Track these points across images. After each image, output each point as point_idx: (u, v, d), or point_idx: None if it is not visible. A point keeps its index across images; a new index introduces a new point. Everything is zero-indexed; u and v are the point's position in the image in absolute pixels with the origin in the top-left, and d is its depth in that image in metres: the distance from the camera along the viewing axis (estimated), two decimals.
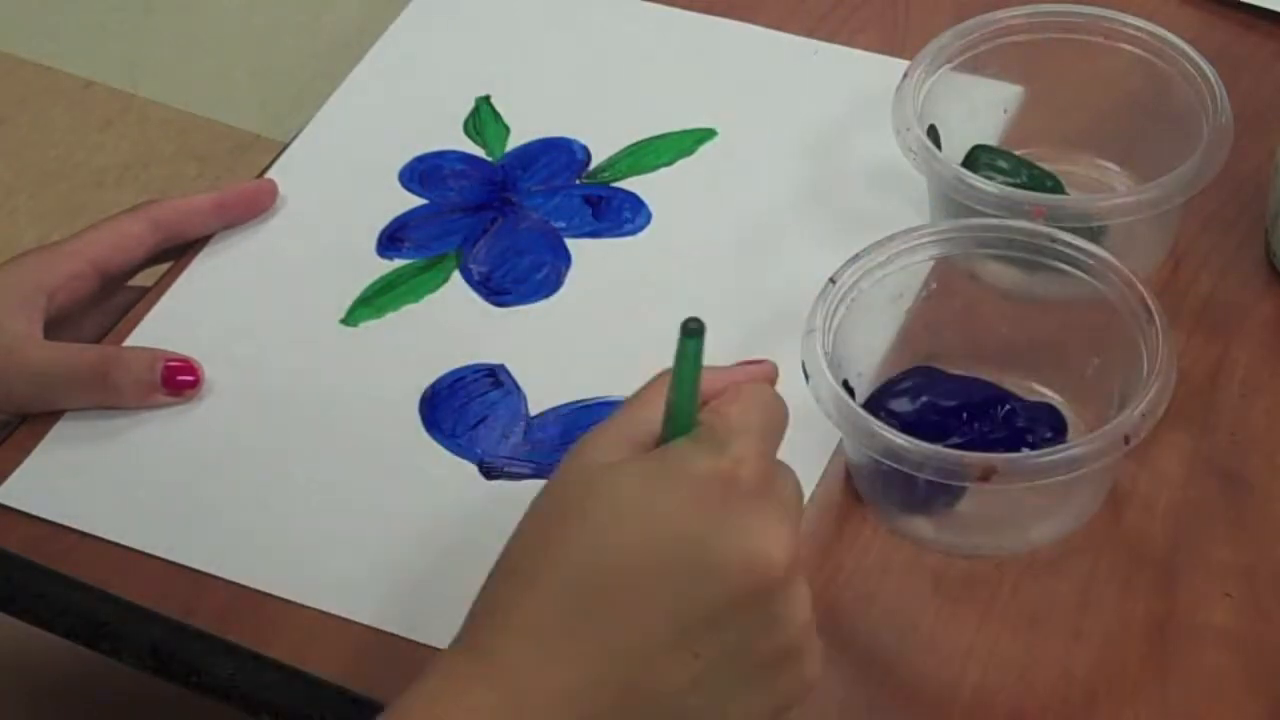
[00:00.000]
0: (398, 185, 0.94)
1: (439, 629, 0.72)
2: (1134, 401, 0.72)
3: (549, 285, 0.89)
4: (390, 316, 0.88)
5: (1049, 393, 0.81)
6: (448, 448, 0.82)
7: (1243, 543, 0.76)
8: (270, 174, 0.95)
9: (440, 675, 0.61)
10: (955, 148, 0.87)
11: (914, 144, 0.83)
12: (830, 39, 1.00)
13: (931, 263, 0.80)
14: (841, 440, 0.79)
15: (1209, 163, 0.81)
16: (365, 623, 0.75)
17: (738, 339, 0.85)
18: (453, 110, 0.98)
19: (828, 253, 0.80)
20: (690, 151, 0.95)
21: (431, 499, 0.80)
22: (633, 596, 0.60)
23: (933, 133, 0.86)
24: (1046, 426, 0.78)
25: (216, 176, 1.96)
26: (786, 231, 0.90)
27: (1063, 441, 0.76)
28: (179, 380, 0.84)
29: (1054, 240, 0.78)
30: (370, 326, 0.88)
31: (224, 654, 0.75)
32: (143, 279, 0.91)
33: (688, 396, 0.62)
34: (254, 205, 0.93)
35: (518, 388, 0.84)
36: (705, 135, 0.95)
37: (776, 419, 0.64)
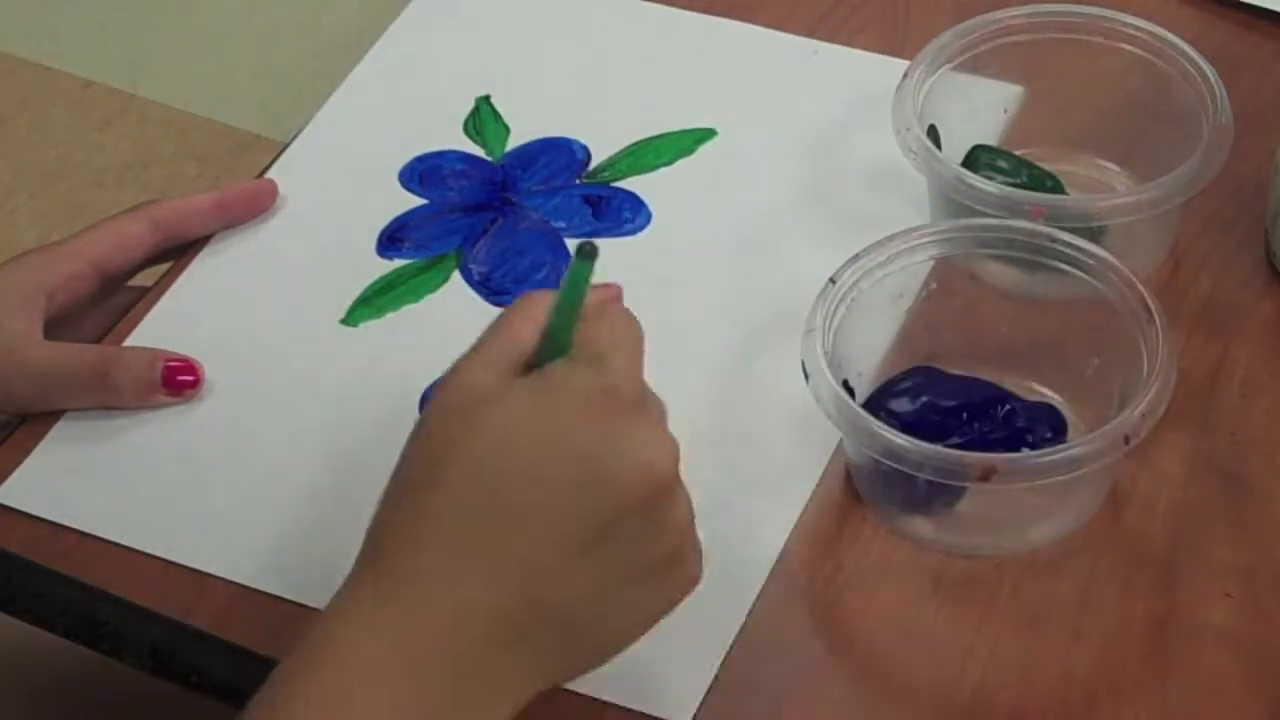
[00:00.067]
0: (398, 185, 0.94)
1: None
2: (1134, 401, 0.72)
3: (549, 285, 0.88)
4: (390, 316, 0.88)
5: (1049, 393, 0.81)
6: None
7: (1243, 543, 0.76)
8: (270, 174, 0.95)
9: (348, 598, 0.63)
10: (955, 148, 0.87)
11: (914, 144, 0.83)
12: (830, 39, 1.00)
13: (931, 263, 0.80)
14: (841, 440, 0.79)
15: (1209, 163, 0.81)
16: None
17: (738, 339, 0.85)
18: (453, 110, 0.98)
19: (828, 253, 0.80)
20: (690, 151, 0.95)
21: None
22: (531, 513, 0.62)
23: (933, 133, 0.86)
24: (1046, 426, 0.78)
25: (216, 176, 1.96)
26: (786, 231, 0.90)
27: (1063, 441, 0.76)
28: (179, 380, 0.84)
29: (1054, 240, 0.78)
30: (370, 326, 0.88)
31: (224, 654, 0.75)
32: (143, 279, 0.91)
33: (570, 318, 0.64)
34: (254, 205, 0.93)
35: None
36: (705, 135, 0.95)
37: (639, 335, 0.66)
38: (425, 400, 0.83)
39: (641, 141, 0.95)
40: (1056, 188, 0.86)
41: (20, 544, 0.79)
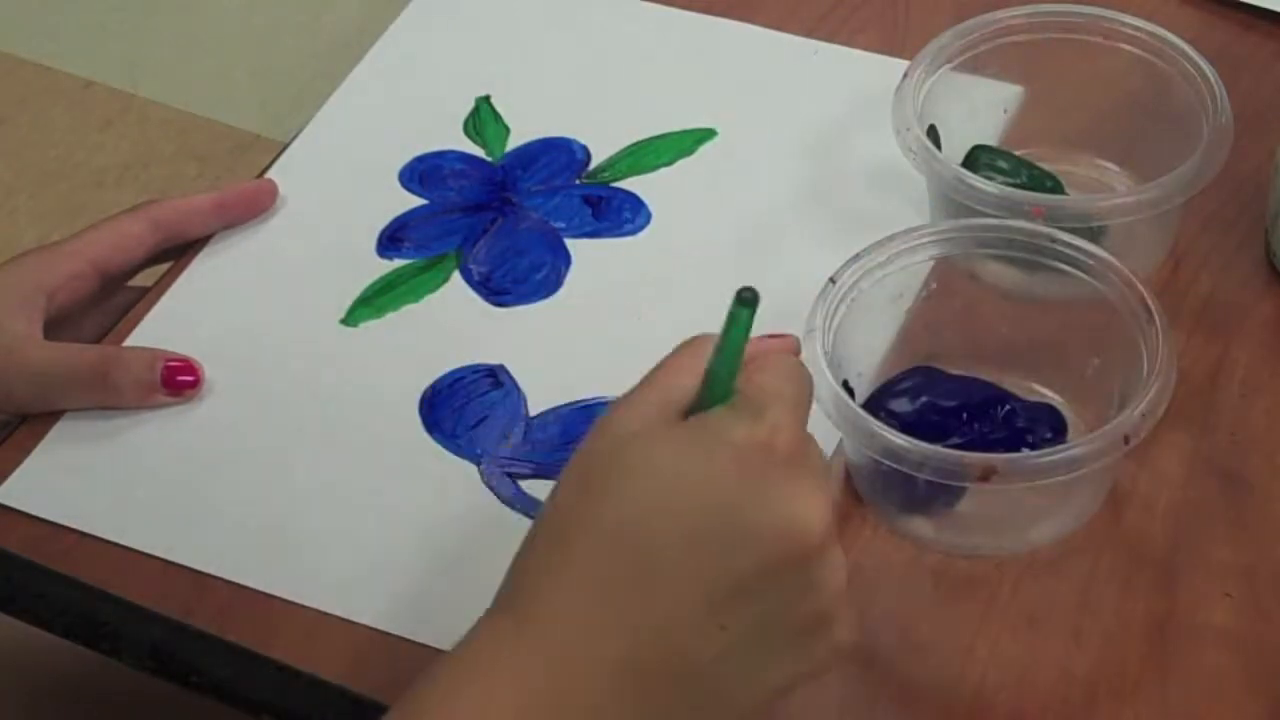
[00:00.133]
0: (398, 185, 0.94)
1: (439, 629, 0.72)
2: (1134, 401, 0.72)
3: (549, 285, 0.89)
4: (390, 316, 0.88)
5: (1049, 393, 0.81)
6: (448, 448, 0.82)
7: (1243, 543, 0.76)
8: (270, 174, 0.95)
9: (484, 643, 0.61)
10: (955, 148, 0.87)
11: (914, 144, 0.83)
12: (830, 39, 1.00)
13: (931, 263, 0.80)
14: (841, 440, 0.79)
15: (1209, 163, 0.81)
16: (365, 623, 0.75)
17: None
18: (453, 110, 0.98)
19: (828, 253, 0.80)
20: (690, 151, 0.95)
21: (431, 499, 0.80)
22: (673, 566, 0.60)
23: (933, 133, 0.86)
24: (1046, 426, 0.78)
25: (216, 176, 1.96)
26: (786, 231, 0.90)
27: (1063, 441, 0.76)
28: (179, 380, 0.84)
29: (1054, 240, 0.78)
30: (370, 326, 0.88)
31: (224, 654, 0.75)
32: (143, 279, 0.91)
33: (731, 365, 0.62)
34: (254, 205, 0.93)
35: (517, 388, 0.84)
36: (705, 135, 0.95)
37: (806, 389, 0.65)
38: (425, 400, 0.84)
39: (641, 141, 0.95)
40: (1056, 188, 0.86)
41: (20, 544, 0.79)
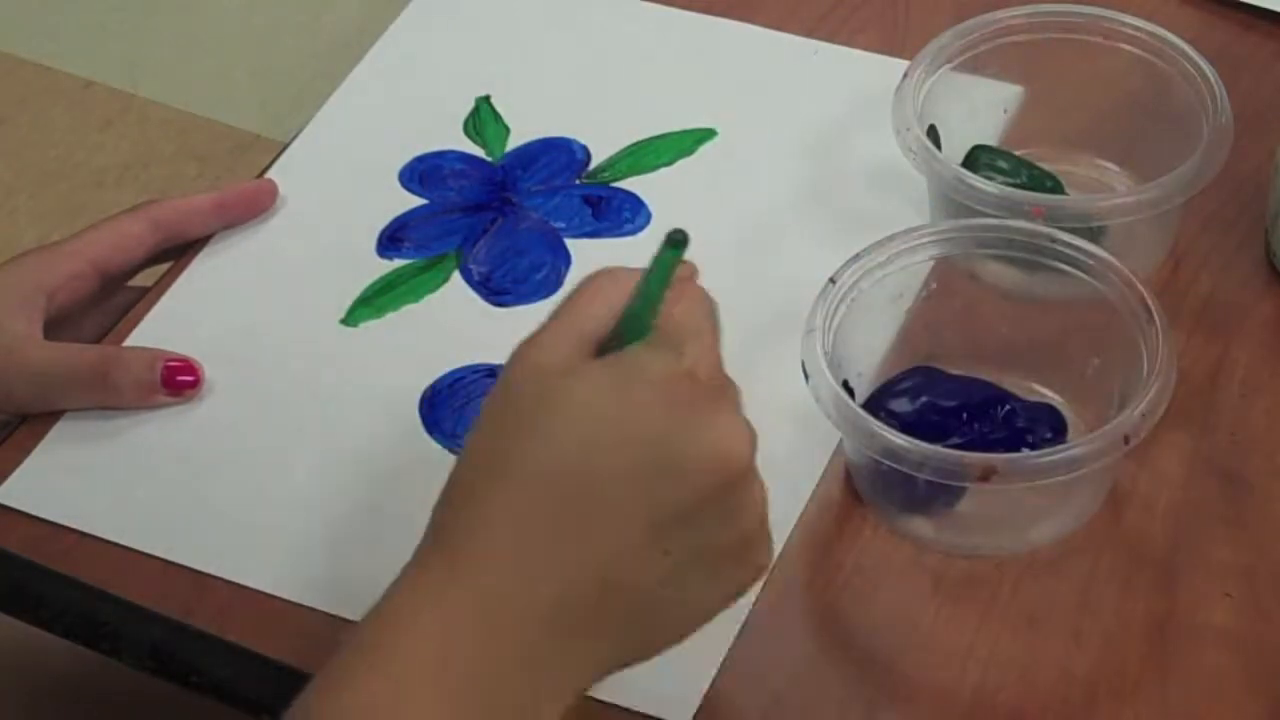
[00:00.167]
0: (398, 185, 0.94)
1: None
2: (1134, 401, 0.72)
3: (549, 285, 0.89)
4: (390, 316, 0.88)
5: (1049, 393, 0.81)
6: (448, 448, 0.82)
7: (1243, 543, 0.76)
8: (270, 174, 0.95)
9: (416, 580, 0.62)
10: (955, 148, 0.87)
11: (914, 144, 0.83)
12: (830, 39, 1.00)
13: (931, 263, 0.80)
14: (841, 440, 0.79)
15: (1209, 163, 0.81)
16: None
17: (738, 339, 0.84)
18: (453, 110, 0.98)
19: (828, 253, 0.80)
20: (690, 151, 0.95)
21: (431, 499, 0.79)
22: (605, 499, 0.61)
23: (933, 133, 0.86)
24: (1046, 426, 0.78)
25: (216, 176, 1.96)
26: (786, 231, 0.90)
27: (1063, 441, 0.76)
28: (179, 380, 0.84)
29: (1054, 240, 0.78)
30: (370, 326, 0.88)
31: (224, 654, 0.75)
32: (143, 279, 0.91)
33: (653, 304, 0.63)
34: (254, 205, 0.93)
35: None
36: (705, 135, 0.95)
37: (716, 319, 0.66)
38: (425, 400, 0.84)
39: (641, 142, 0.95)
40: (1056, 188, 0.86)
41: (20, 544, 0.79)
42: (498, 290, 0.89)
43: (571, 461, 0.61)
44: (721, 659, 0.73)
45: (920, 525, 0.77)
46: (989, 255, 0.81)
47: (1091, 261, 0.77)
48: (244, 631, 0.76)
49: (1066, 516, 0.77)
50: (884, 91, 0.87)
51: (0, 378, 0.83)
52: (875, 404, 0.78)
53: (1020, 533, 0.77)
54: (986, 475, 0.71)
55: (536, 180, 0.94)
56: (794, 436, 0.80)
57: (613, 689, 0.71)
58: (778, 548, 0.76)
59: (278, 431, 0.83)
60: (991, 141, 0.90)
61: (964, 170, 0.83)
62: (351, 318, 0.88)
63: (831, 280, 0.77)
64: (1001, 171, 0.85)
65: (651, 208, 0.92)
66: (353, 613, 0.75)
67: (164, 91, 2.07)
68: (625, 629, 0.63)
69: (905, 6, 1.02)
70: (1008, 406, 0.78)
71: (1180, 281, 0.86)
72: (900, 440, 0.71)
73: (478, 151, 0.96)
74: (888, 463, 0.72)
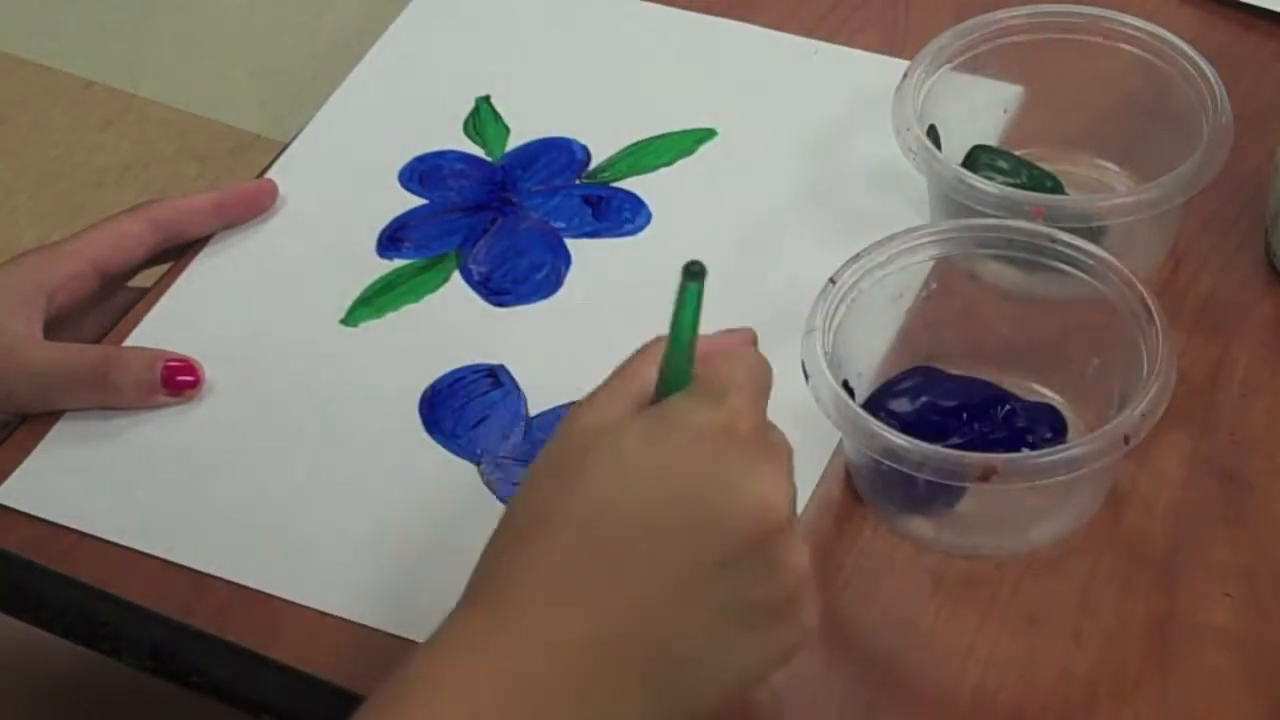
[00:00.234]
0: (398, 185, 0.94)
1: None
2: (1134, 401, 0.72)
3: (549, 285, 0.89)
4: (390, 316, 0.88)
5: (1049, 393, 0.81)
6: (448, 448, 0.82)
7: (1243, 543, 0.76)
8: (270, 174, 0.95)
9: (459, 631, 0.62)
10: (955, 148, 0.87)
11: (914, 144, 0.83)
12: (830, 39, 1.00)
13: (931, 263, 0.80)
14: (841, 440, 0.79)
15: (1209, 163, 0.81)
16: (365, 623, 0.75)
17: None
18: (453, 110, 0.98)
19: (828, 253, 0.80)
20: (690, 151, 0.95)
21: (431, 499, 0.80)
22: (640, 549, 0.61)
23: (933, 133, 0.86)
24: (1046, 426, 0.78)
25: (216, 176, 1.96)
26: (786, 231, 0.90)
27: (1063, 441, 0.76)
28: (179, 380, 0.84)
29: (1054, 240, 0.78)
30: (370, 326, 0.88)
31: (224, 654, 0.75)
32: (143, 279, 0.91)
33: (685, 346, 0.63)
34: (254, 205, 0.93)
35: (517, 388, 0.84)
36: (705, 135, 0.95)
37: (765, 376, 0.66)
38: (425, 400, 0.84)
39: (641, 141, 0.95)
40: (1056, 188, 0.86)
41: (20, 544, 0.79)
42: (498, 290, 0.89)
43: (606, 510, 0.61)
44: None
45: (920, 525, 0.77)
46: (989, 255, 0.81)
47: (1091, 261, 0.77)
48: (244, 631, 0.76)
49: (1066, 516, 0.77)
50: (884, 91, 0.87)
51: (0, 378, 0.83)
52: (875, 404, 0.78)
53: (1020, 533, 0.77)
54: (986, 475, 0.71)
55: (536, 180, 0.94)
56: (794, 436, 0.79)
57: None
58: None
59: (278, 431, 0.83)
60: (991, 141, 0.90)
61: (964, 170, 0.83)
62: (351, 318, 0.88)
63: (831, 280, 0.77)
64: (1001, 171, 0.85)
65: (652, 208, 0.92)
66: (353, 613, 0.76)
67: (164, 91, 2.07)
68: (666, 679, 0.61)
69: (905, 6, 1.02)
70: (1008, 406, 0.78)
71: (1180, 281, 0.86)
72: (900, 440, 0.71)
73: (478, 151, 0.96)
74: (888, 463, 0.72)
